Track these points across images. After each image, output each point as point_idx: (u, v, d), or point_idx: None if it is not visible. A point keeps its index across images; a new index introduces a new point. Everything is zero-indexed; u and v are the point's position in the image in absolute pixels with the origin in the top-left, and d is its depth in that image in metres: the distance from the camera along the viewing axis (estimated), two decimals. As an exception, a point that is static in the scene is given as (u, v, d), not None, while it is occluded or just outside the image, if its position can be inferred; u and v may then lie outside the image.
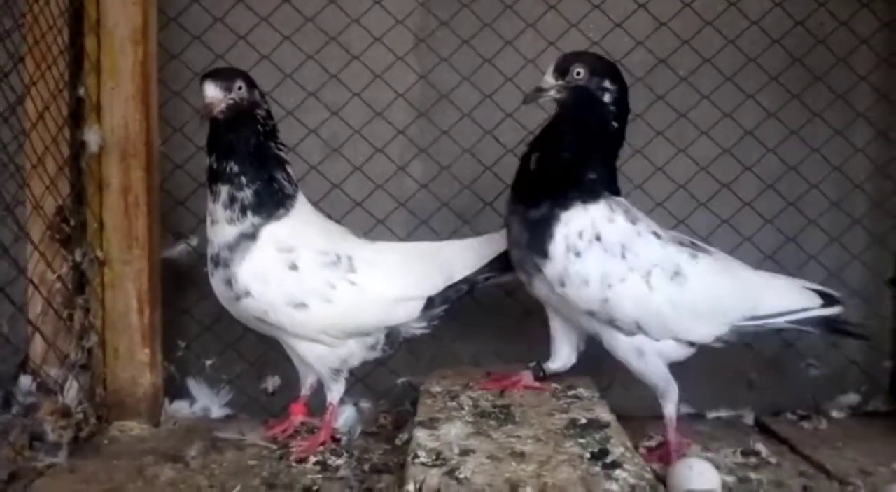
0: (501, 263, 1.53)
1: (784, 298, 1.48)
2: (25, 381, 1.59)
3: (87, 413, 1.60)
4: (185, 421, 1.72)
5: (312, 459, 1.45)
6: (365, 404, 1.71)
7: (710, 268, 1.43)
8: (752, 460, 1.52)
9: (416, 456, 1.19)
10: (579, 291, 1.37)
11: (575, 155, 1.37)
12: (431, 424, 1.34)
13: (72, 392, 1.58)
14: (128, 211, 1.65)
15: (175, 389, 1.76)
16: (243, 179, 1.39)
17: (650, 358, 1.44)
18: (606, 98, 1.37)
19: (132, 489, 1.35)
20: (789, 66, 1.81)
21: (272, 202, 1.41)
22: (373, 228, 1.79)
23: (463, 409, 1.42)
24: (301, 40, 1.75)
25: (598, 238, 1.36)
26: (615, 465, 1.14)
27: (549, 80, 1.37)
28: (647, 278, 1.37)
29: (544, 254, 1.36)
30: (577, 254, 1.35)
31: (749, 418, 1.79)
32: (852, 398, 1.83)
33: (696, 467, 1.26)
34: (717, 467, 1.34)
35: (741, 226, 1.84)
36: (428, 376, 1.63)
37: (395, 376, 1.82)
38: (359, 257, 1.45)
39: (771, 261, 1.85)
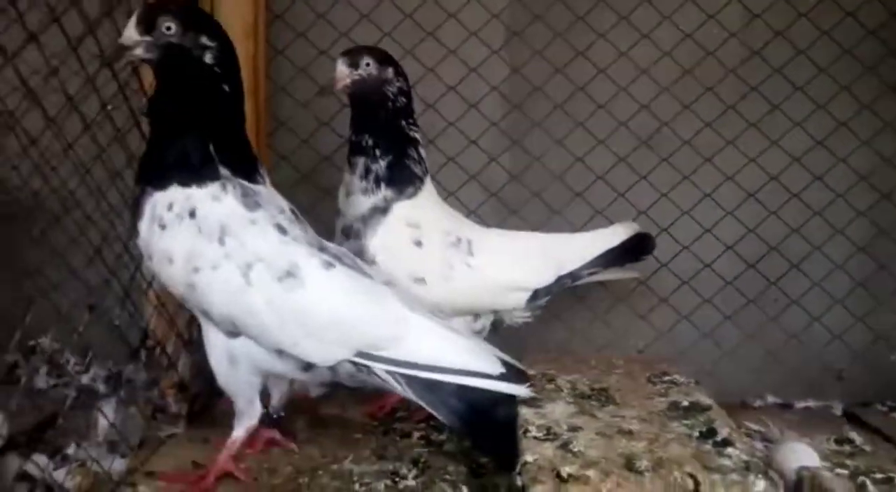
0: (605, 259, 1.59)
1: (450, 353, 1.25)
2: (142, 357, 1.70)
3: (200, 387, 1.71)
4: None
5: (417, 433, 1.52)
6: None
7: (342, 283, 1.24)
8: (847, 447, 1.53)
9: (527, 430, 1.24)
10: (162, 269, 1.22)
11: (174, 128, 1.21)
12: (535, 403, 1.39)
13: (185, 368, 1.68)
14: (237, 198, 1.74)
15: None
16: (377, 152, 1.48)
17: (242, 368, 1.27)
18: (207, 58, 1.19)
19: (249, 458, 1.41)
20: (884, 57, 1.81)
21: (403, 178, 1.49)
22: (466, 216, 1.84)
23: (562, 390, 1.47)
24: (400, 36, 1.82)
25: (192, 215, 1.20)
26: (726, 443, 1.16)
27: (133, 35, 1.16)
28: (245, 271, 1.19)
29: (137, 230, 1.24)
30: (162, 227, 1.20)
31: (838, 409, 1.81)
32: (942, 390, 1.82)
33: (799, 450, 1.29)
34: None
35: (833, 217, 1.84)
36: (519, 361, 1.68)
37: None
38: (478, 242, 1.52)
39: (863, 253, 1.85)
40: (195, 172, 1.21)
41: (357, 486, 1.31)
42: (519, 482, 1.12)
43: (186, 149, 1.21)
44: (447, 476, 1.35)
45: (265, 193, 1.28)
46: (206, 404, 1.69)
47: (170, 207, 1.20)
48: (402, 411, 1.64)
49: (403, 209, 1.49)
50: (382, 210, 1.48)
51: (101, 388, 1.71)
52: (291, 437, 1.49)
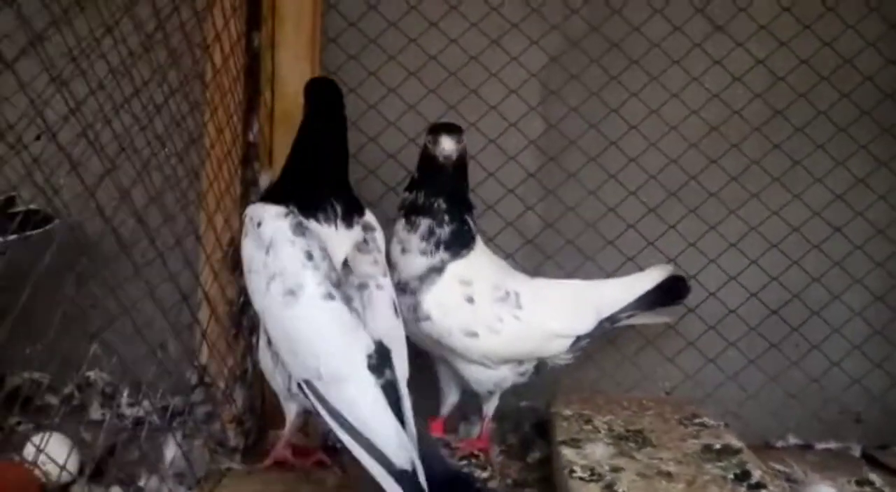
0: (643, 302, 1.69)
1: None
2: (199, 392, 1.79)
3: (252, 422, 1.80)
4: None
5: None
6: (491, 424, 1.86)
7: (330, 313, 1.33)
8: (868, 489, 1.61)
9: (572, 471, 1.34)
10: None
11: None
12: (575, 443, 1.48)
13: (239, 402, 1.78)
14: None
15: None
16: (446, 217, 1.58)
17: (277, 369, 1.45)
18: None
19: (304, 491, 1.52)
20: (901, 119, 1.92)
21: (460, 242, 1.59)
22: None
23: (599, 431, 1.56)
24: (444, 92, 1.94)
25: (259, 225, 1.41)
26: (759, 486, 1.26)
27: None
28: (269, 281, 1.36)
29: None
30: (245, 234, 1.45)
31: (856, 450, 1.87)
32: (958, 434, 1.90)
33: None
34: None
35: (852, 268, 1.93)
36: (553, 401, 1.77)
37: (518, 398, 1.97)
38: (524, 294, 1.62)
39: (880, 302, 1.95)
40: (273, 196, 1.49)
41: None
42: (569, 521, 1.21)
43: (278, 181, 1.55)
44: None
45: (319, 231, 1.42)
46: (258, 438, 1.79)
47: (250, 218, 1.46)
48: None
49: (457, 268, 1.58)
50: (438, 270, 1.57)
51: (157, 421, 1.80)
52: (338, 466, 1.57)
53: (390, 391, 1.29)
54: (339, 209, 1.47)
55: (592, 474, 1.32)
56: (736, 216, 1.95)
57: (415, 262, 1.58)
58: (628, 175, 1.96)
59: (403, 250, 1.59)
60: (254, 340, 1.83)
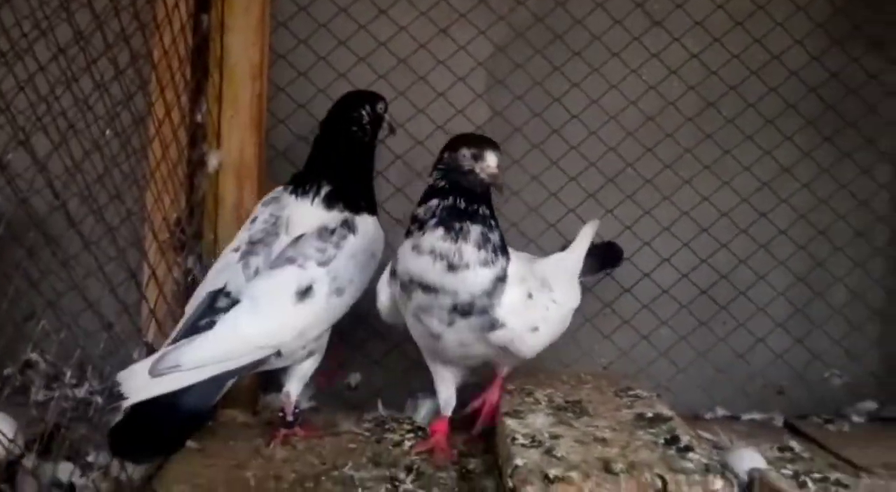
0: (587, 264, 1.78)
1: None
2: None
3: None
4: (279, 411, 1.93)
5: (408, 443, 1.67)
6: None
7: (220, 259, 1.63)
8: (788, 454, 1.71)
9: (514, 438, 1.40)
10: None
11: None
12: (517, 414, 1.55)
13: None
14: (240, 225, 1.84)
15: (267, 381, 1.95)
16: (493, 222, 1.44)
17: None
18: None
19: (255, 466, 1.53)
20: (823, 112, 2.04)
21: (505, 244, 1.48)
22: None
23: (540, 403, 1.63)
24: (394, 79, 1.98)
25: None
26: (687, 449, 1.35)
27: None
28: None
29: None
30: None
31: (779, 420, 1.99)
32: (870, 405, 2.03)
33: (748, 455, 1.47)
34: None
35: (776, 251, 2.06)
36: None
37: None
38: (548, 276, 1.59)
39: (802, 283, 2.08)
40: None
41: (360, 490, 1.42)
42: (510, 484, 1.28)
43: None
44: (440, 481, 1.48)
45: (288, 202, 1.69)
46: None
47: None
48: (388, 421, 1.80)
49: (512, 269, 1.47)
50: (502, 278, 1.44)
51: (100, 401, 1.79)
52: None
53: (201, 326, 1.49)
54: (323, 190, 1.63)
55: (533, 441, 1.39)
56: (669, 202, 2.05)
57: (477, 276, 1.41)
58: (570, 162, 2.04)
59: (451, 267, 1.40)
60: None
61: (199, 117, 1.88)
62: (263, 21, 1.86)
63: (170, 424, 1.42)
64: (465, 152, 1.43)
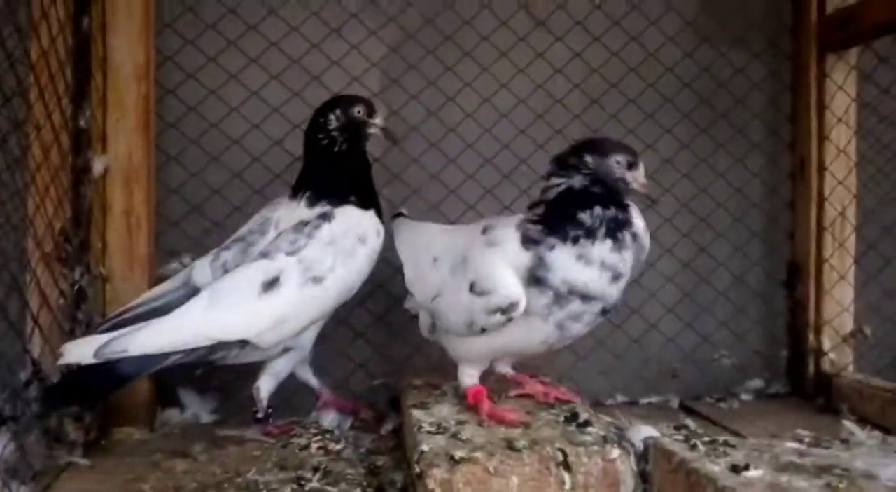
0: None
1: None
2: (34, 388, 1.70)
3: (91, 418, 1.73)
4: (179, 426, 1.86)
5: (315, 445, 1.64)
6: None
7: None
8: (684, 431, 1.80)
9: (420, 427, 1.41)
10: None
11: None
12: (423, 406, 1.56)
13: (78, 399, 1.70)
14: (130, 232, 1.80)
15: (166, 396, 1.89)
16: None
17: None
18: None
19: (153, 479, 1.47)
20: (698, 105, 2.17)
21: None
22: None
23: (447, 394, 1.66)
24: (287, 79, 1.97)
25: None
26: (587, 423, 1.40)
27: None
28: None
29: None
30: None
31: (675, 402, 2.09)
32: (757, 383, 2.16)
33: (645, 430, 1.52)
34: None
35: (663, 239, 2.15)
36: (406, 375, 1.85)
37: (371, 378, 2.04)
38: None
39: (688, 268, 2.19)
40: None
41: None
42: (417, 470, 1.29)
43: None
44: (348, 477, 1.47)
45: (282, 205, 1.71)
46: (98, 435, 1.73)
47: None
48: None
49: None
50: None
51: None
52: None
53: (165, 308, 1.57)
54: (307, 193, 1.67)
55: (439, 428, 1.41)
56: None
57: (623, 284, 1.45)
58: (467, 160, 2.09)
59: (615, 277, 1.41)
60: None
61: (82, 122, 1.80)
62: (147, 21, 1.81)
63: (101, 385, 1.51)
64: (619, 159, 1.42)
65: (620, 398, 2.11)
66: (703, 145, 2.18)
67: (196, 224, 1.95)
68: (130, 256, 1.81)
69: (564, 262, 1.37)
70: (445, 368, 1.86)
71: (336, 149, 1.68)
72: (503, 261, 1.41)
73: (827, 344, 2.08)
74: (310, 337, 1.67)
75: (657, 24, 2.13)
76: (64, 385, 1.56)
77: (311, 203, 1.66)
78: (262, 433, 1.70)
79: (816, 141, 2.07)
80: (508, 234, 1.44)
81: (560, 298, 1.38)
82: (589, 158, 1.42)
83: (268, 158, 1.98)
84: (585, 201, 1.40)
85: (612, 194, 1.42)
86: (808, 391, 2.10)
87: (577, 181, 1.42)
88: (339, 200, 1.66)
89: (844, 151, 2.05)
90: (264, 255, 1.59)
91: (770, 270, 2.23)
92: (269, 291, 1.54)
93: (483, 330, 1.44)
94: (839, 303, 2.08)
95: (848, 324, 2.08)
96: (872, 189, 2.17)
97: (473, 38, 2.07)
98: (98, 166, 1.78)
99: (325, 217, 1.63)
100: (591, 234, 1.37)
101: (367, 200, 1.71)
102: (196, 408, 1.92)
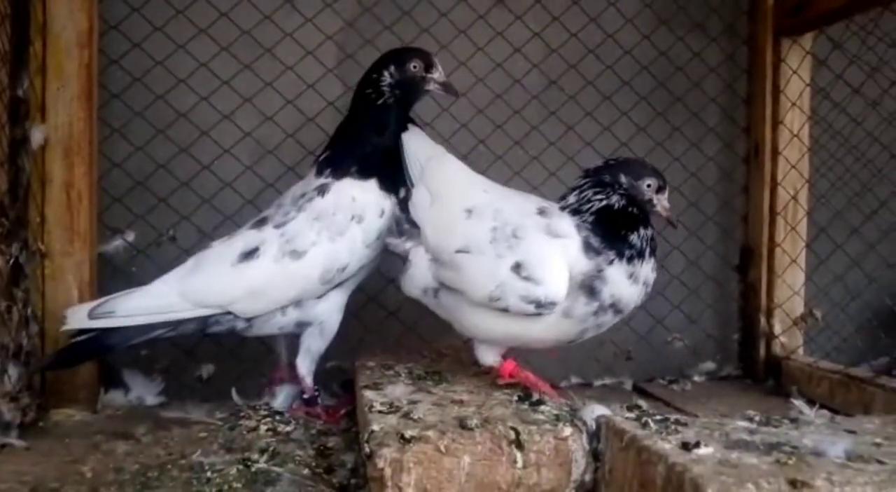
0: None
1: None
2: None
3: (29, 399, 1.66)
4: (123, 408, 1.80)
5: (264, 427, 1.60)
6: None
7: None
8: (636, 411, 1.81)
9: (371, 407, 1.38)
10: None
11: None
12: (376, 386, 1.53)
13: (13, 379, 1.63)
14: (70, 206, 1.73)
15: (110, 378, 1.83)
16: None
17: None
18: None
19: (93, 461, 1.43)
20: (655, 88, 2.17)
21: None
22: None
23: (400, 375, 1.63)
24: (237, 51, 1.91)
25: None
26: (539, 403, 1.39)
27: None
28: None
29: None
30: None
31: (628, 384, 2.11)
32: (709, 365, 2.19)
33: (598, 409, 1.52)
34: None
35: (620, 222, 2.17)
36: (359, 356, 1.81)
37: (324, 360, 1.99)
38: None
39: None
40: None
41: (209, 474, 1.35)
42: (367, 450, 1.26)
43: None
44: (297, 458, 1.44)
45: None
46: (35, 417, 1.67)
47: None
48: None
49: None
50: None
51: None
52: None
53: None
54: (323, 156, 1.64)
55: (391, 408, 1.37)
56: (520, 177, 2.11)
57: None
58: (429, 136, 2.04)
59: (647, 292, 1.50)
60: (28, 312, 1.70)
61: (20, 91, 1.72)
62: (90, -15, 1.73)
63: (87, 350, 1.59)
64: (650, 183, 1.47)
65: (575, 380, 2.12)
66: (660, 129, 2.19)
67: (141, 200, 1.89)
68: (70, 231, 1.74)
69: (618, 278, 1.43)
70: (399, 350, 1.85)
71: (380, 104, 1.62)
72: (564, 260, 1.42)
73: (778, 327, 2.12)
74: (326, 310, 1.64)
75: (616, 4, 2.12)
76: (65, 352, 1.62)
77: (320, 171, 1.64)
78: (312, 415, 1.67)
79: (771, 125, 2.09)
80: (569, 231, 1.45)
81: (601, 309, 1.45)
82: (624, 179, 1.47)
83: (216, 133, 1.92)
84: (632, 222, 1.45)
85: (645, 215, 1.48)
86: (759, 374, 2.13)
87: (616, 201, 1.46)
88: (342, 171, 1.62)
89: (798, 135, 2.08)
90: (258, 224, 1.60)
91: (724, 254, 2.25)
92: (245, 262, 1.56)
93: (506, 310, 1.45)
94: (790, 287, 2.11)
95: (798, 307, 2.12)
96: (825, 174, 2.20)
97: (432, 14, 2.03)
98: (37, 137, 1.71)
99: (321, 190, 1.60)
100: (641, 254, 1.44)
101: (370, 168, 1.62)
102: (141, 390, 1.86)
